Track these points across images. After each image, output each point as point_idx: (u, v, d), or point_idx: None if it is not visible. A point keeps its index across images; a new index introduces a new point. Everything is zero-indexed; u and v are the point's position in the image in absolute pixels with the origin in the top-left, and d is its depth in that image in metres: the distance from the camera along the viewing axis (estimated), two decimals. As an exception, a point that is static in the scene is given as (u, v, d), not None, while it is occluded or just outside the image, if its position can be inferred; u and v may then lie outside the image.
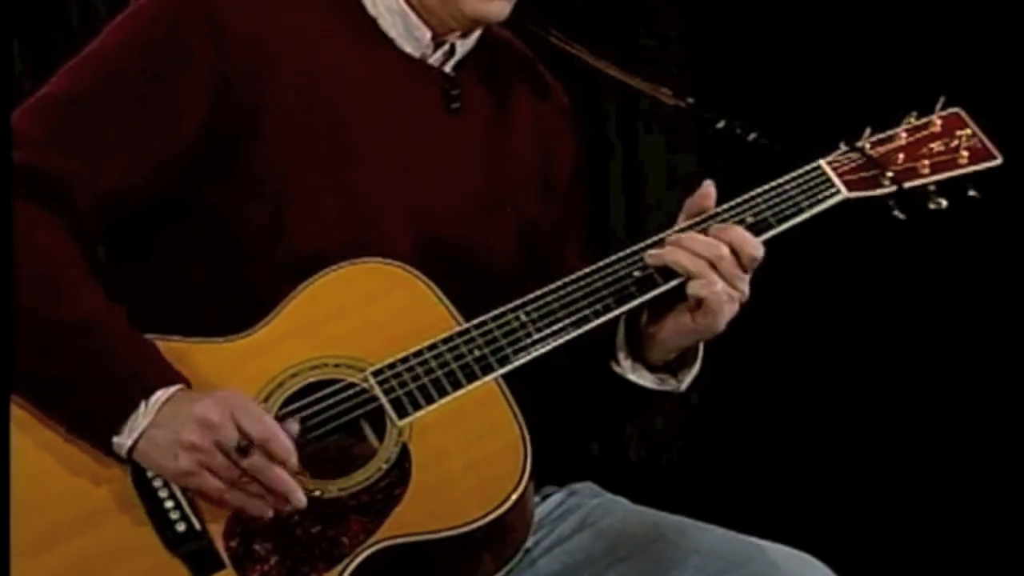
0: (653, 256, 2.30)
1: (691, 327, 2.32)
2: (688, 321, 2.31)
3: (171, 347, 2.22)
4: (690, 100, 2.43)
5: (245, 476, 2.16)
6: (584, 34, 2.89)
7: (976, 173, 2.40)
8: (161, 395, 2.17)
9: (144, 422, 2.16)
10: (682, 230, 2.32)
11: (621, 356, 2.37)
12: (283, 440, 2.16)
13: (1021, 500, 3.83)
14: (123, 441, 2.16)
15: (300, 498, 2.16)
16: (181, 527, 2.17)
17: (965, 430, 3.89)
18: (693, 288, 2.27)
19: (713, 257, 2.28)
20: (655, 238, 2.33)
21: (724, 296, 2.28)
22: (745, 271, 2.30)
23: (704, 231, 2.31)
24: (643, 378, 2.37)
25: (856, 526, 3.83)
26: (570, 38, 2.47)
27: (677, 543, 2.37)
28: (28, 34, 3.50)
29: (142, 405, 2.16)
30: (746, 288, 2.30)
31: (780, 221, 2.34)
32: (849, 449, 3.95)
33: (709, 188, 2.34)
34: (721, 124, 2.40)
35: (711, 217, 2.34)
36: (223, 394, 2.18)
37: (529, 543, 2.32)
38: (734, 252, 2.29)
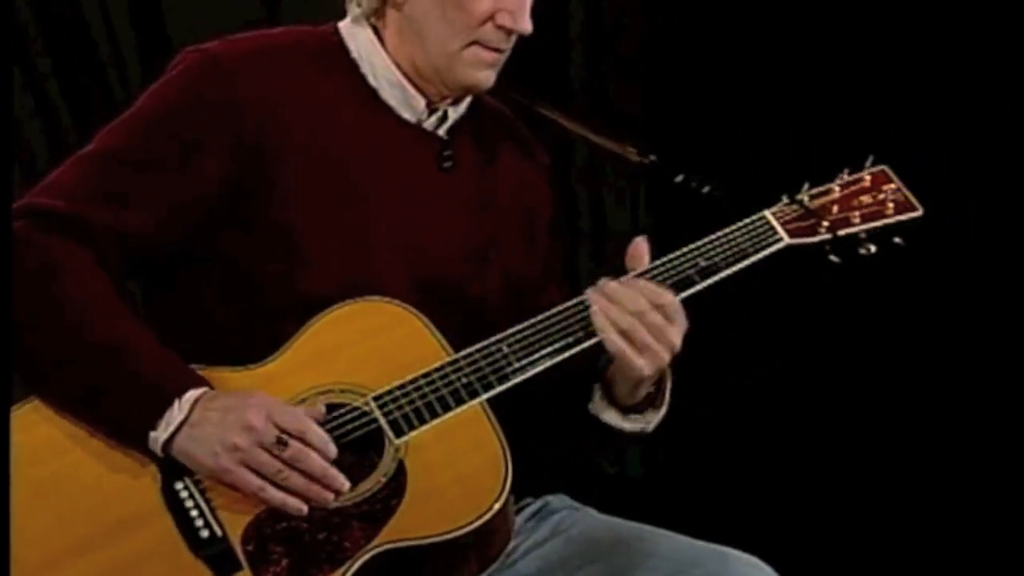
0: (592, 301, 2.38)
1: (623, 371, 2.41)
2: (620, 365, 2.40)
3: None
4: (652, 158, 2.54)
5: (285, 471, 2.28)
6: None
7: (901, 223, 2.51)
8: (192, 394, 2.31)
9: (179, 417, 2.29)
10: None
11: (597, 397, 2.47)
12: (318, 431, 2.29)
13: (966, 518, 3.93)
14: (159, 435, 2.29)
15: (342, 481, 2.29)
16: (205, 533, 2.30)
17: (910, 441, 3.98)
18: (609, 346, 2.37)
19: (630, 321, 2.35)
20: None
21: (627, 349, 2.35)
22: (672, 323, 2.38)
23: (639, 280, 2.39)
24: (612, 418, 2.46)
25: (801, 533, 3.86)
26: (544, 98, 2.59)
27: (638, 548, 2.49)
28: (76, 103, 3.72)
29: (175, 403, 2.30)
30: (675, 339, 2.37)
31: (729, 265, 2.45)
32: (795, 464, 4.01)
33: (640, 245, 2.43)
34: (679, 178, 2.51)
35: (668, 261, 2.44)
36: (257, 399, 2.31)
37: (509, 547, 2.43)
38: (649, 312, 2.37)
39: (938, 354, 3.96)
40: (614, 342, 2.37)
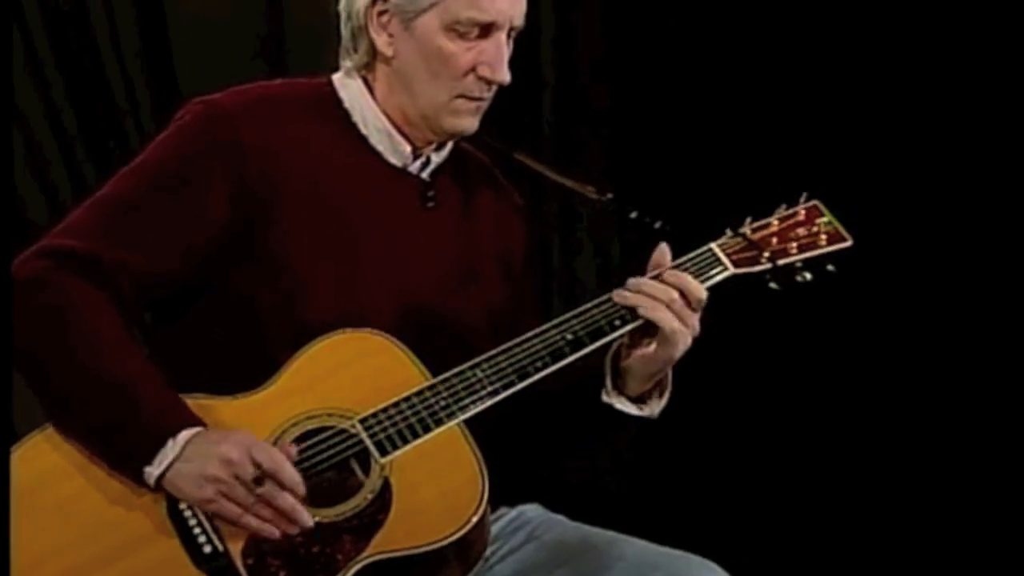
0: (622, 297, 2.52)
1: (653, 356, 2.54)
2: (651, 351, 2.53)
3: (197, 403, 2.47)
4: (610, 196, 2.66)
5: (259, 502, 2.39)
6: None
7: (833, 252, 2.63)
8: (186, 434, 2.41)
9: (171, 455, 2.40)
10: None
11: (609, 387, 2.59)
12: (291, 471, 2.40)
13: (926, 528, 4.03)
14: (152, 471, 2.40)
15: (307, 519, 2.40)
16: (207, 549, 2.41)
17: (874, 452, 4.06)
18: (662, 323, 2.51)
19: (667, 300, 2.50)
20: (589, 304, 2.55)
21: (680, 330, 2.51)
22: (693, 311, 2.52)
23: (658, 278, 2.54)
24: (625, 405, 2.59)
25: (760, 539, 3.98)
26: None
27: (606, 552, 2.61)
28: (95, 149, 3.86)
29: (170, 442, 2.40)
30: (697, 323, 2.53)
31: None
32: (758, 475, 4.13)
33: (664, 247, 2.57)
34: (634, 215, 2.63)
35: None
36: (240, 436, 2.42)
37: (487, 552, 2.55)
38: (683, 295, 2.52)
39: (898, 367, 4.04)
40: (662, 319, 2.51)
